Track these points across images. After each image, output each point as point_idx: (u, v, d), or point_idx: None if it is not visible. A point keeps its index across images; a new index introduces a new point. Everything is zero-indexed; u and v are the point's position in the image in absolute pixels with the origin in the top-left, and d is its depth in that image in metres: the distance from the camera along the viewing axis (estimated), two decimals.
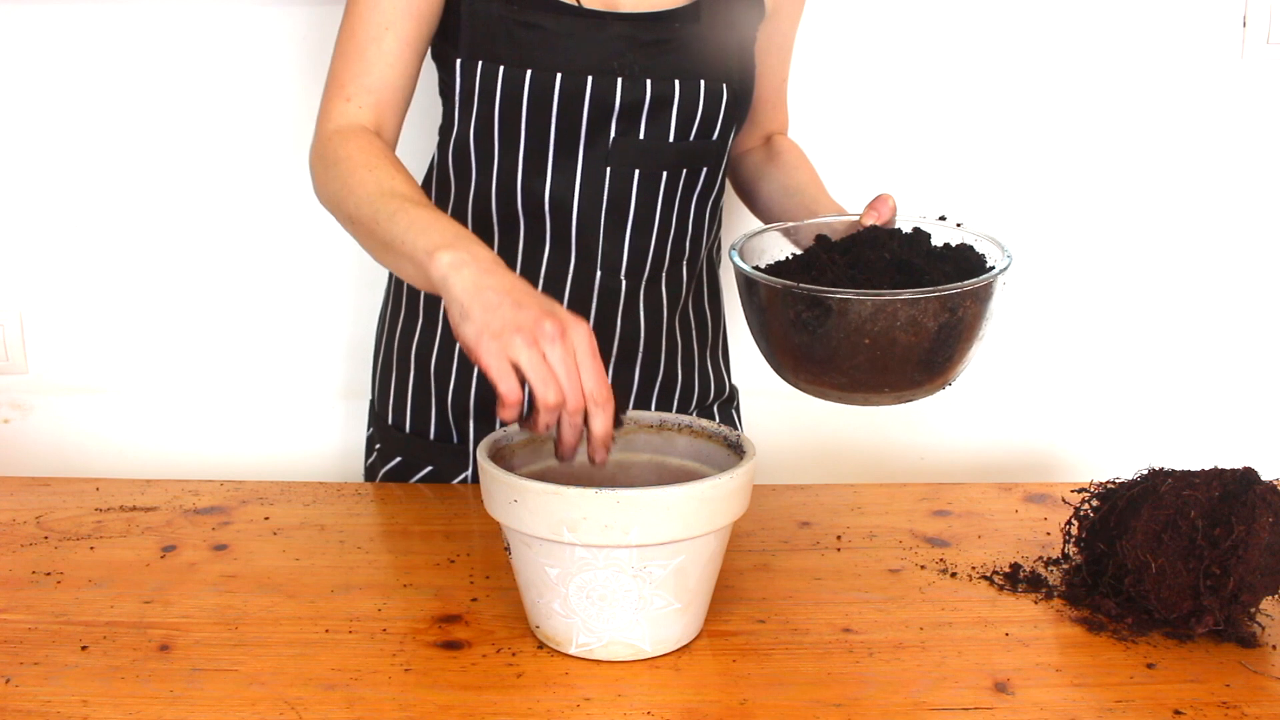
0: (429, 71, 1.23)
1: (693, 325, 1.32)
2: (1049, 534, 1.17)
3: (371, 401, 1.38)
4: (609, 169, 1.19)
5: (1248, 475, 0.98)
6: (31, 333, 1.68)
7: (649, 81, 1.16)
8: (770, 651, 0.95)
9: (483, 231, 1.22)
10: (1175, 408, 1.78)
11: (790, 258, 1.06)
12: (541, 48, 1.14)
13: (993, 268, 1.00)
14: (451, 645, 0.96)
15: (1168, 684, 0.91)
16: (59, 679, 0.90)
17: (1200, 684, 0.91)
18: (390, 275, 1.36)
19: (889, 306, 0.94)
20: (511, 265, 1.22)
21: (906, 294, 0.94)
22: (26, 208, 1.64)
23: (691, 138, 1.20)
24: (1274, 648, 0.97)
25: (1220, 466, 1.00)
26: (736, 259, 1.03)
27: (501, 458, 0.97)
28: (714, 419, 1.37)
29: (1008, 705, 0.88)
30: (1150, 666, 0.94)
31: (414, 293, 1.30)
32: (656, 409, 1.31)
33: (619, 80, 1.15)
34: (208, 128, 1.61)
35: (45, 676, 0.91)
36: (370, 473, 1.38)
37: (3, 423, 1.71)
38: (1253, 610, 0.98)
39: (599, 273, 1.23)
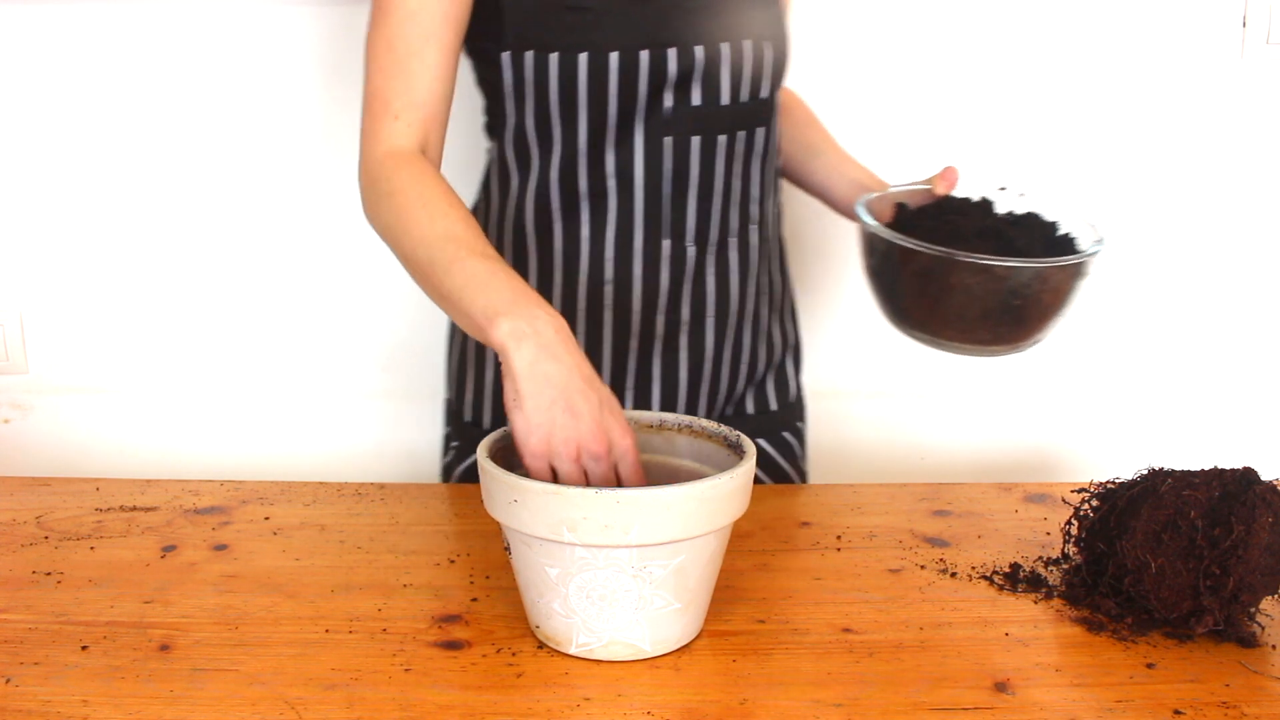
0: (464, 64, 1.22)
1: (763, 291, 1.32)
2: (1049, 534, 1.17)
3: (448, 399, 1.37)
4: (667, 138, 1.19)
5: (1248, 475, 0.98)
6: (31, 333, 1.68)
7: (699, 48, 1.17)
8: (770, 651, 0.95)
9: (544, 218, 1.22)
10: (1175, 408, 1.78)
11: (893, 221, 1.16)
12: (592, 30, 1.14)
13: (1067, 234, 1.12)
14: (451, 645, 0.96)
15: (1167, 684, 0.91)
16: (59, 679, 0.90)
17: (1200, 684, 0.91)
18: None
19: (1044, 272, 1.05)
20: (577, 245, 1.22)
21: (1059, 261, 1.05)
22: (27, 208, 1.64)
23: (743, 99, 1.21)
24: (1274, 648, 0.97)
25: (1220, 466, 1.00)
26: (885, 232, 1.11)
27: (502, 457, 0.97)
28: (787, 375, 1.38)
29: (1008, 705, 0.88)
30: (1150, 666, 0.94)
31: None
32: (728, 376, 1.30)
33: (670, 51, 1.16)
34: (205, 126, 1.61)
35: (45, 676, 0.91)
36: (447, 471, 1.37)
37: (3, 423, 1.71)
38: (1253, 610, 0.98)
39: (666, 241, 1.23)
